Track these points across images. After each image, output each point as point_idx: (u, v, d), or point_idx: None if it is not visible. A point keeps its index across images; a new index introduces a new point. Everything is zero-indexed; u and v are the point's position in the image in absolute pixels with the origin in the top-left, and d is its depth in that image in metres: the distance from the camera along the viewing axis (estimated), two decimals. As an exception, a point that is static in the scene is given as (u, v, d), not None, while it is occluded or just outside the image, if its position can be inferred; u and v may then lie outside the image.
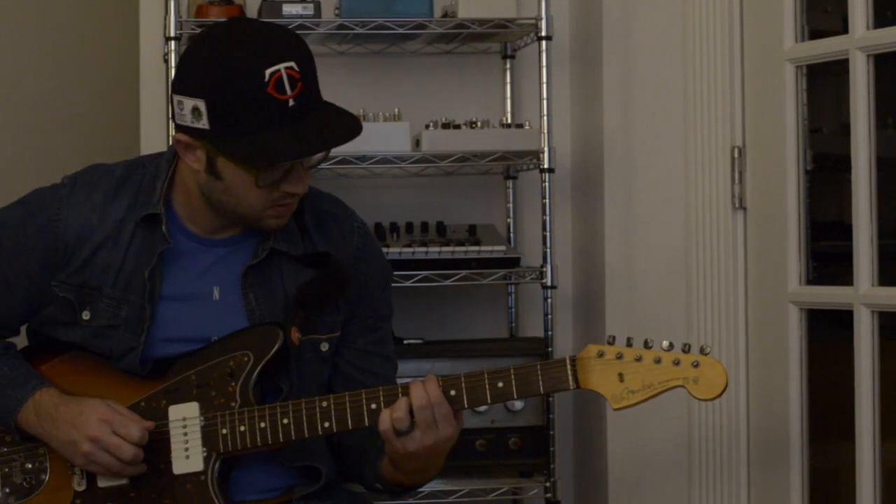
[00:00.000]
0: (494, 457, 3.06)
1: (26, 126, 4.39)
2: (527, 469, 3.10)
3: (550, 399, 3.06)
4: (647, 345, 2.21)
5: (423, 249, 3.07)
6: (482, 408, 3.04)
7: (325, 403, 2.28)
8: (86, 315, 2.38)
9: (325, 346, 2.43)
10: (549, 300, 3.07)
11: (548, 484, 3.06)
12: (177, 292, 2.38)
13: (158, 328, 2.37)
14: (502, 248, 3.11)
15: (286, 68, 2.22)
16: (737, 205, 3.10)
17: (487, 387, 2.25)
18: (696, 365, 2.19)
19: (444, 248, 3.07)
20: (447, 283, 3.05)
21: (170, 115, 2.31)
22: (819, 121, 3.06)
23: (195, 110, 2.24)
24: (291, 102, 2.22)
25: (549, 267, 3.07)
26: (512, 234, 3.38)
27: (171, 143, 2.34)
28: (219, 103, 2.22)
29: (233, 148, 2.24)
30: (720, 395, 2.19)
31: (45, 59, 4.42)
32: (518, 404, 3.05)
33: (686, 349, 2.20)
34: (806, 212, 2.97)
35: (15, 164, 4.25)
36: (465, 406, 2.26)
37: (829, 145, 3.11)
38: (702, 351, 2.19)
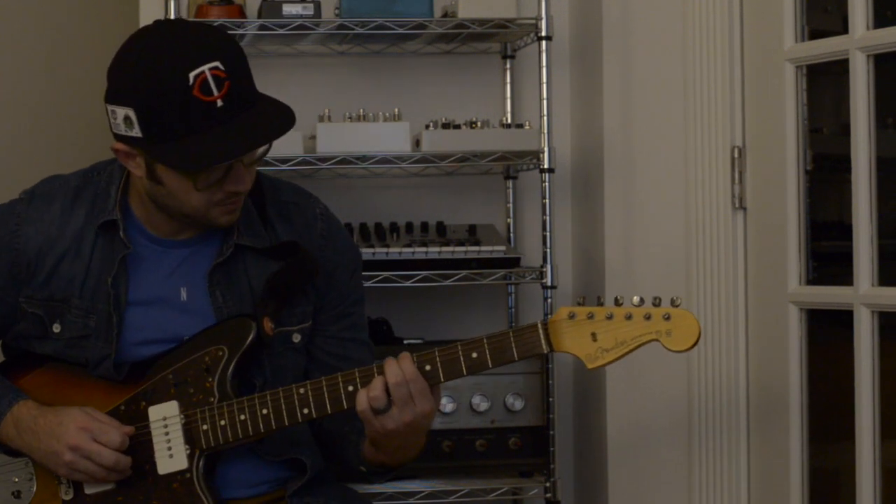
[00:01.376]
0: (494, 457, 3.06)
1: (25, 126, 4.39)
2: (527, 469, 3.10)
3: (550, 399, 3.06)
4: (617, 302, 2.21)
5: (423, 249, 3.06)
6: (482, 408, 3.04)
7: (302, 390, 2.29)
8: (56, 328, 2.37)
9: (297, 338, 2.43)
10: (549, 300, 3.07)
11: (548, 484, 3.06)
12: (144, 297, 2.38)
13: (129, 333, 2.37)
14: (502, 248, 3.11)
15: (210, 69, 2.19)
16: (737, 205, 3.10)
17: (462, 358, 2.25)
18: (667, 318, 2.18)
19: (444, 248, 3.07)
20: (447, 283, 3.05)
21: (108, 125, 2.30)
22: (819, 121, 3.06)
23: (126, 119, 2.23)
24: (220, 103, 2.20)
25: (549, 267, 3.07)
26: (512, 234, 3.38)
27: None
28: (147, 111, 2.20)
29: (165, 154, 2.22)
30: (694, 345, 2.18)
31: (44, 59, 4.42)
32: (518, 404, 3.05)
33: (657, 303, 2.19)
34: (806, 212, 2.97)
35: (14, 164, 4.24)
36: (441, 379, 2.25)
37: (829, 145, 3.10)
38: (672, 303, 2.19)
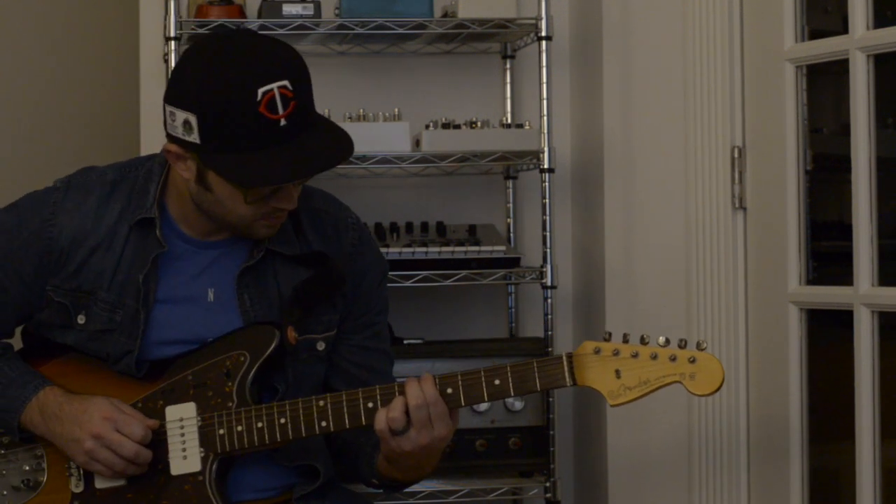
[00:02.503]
0: (494, 457, 3.06)
1: (26, 126, 4.39)
2: (527, 469, 3.10)
3: (550, 399, 3.06)
4: (643, 341, 2.21)
5: (423, 249, 3.06)
6: (482, 407, 3.04)
7: (322, 403, 2.29)
8: (81, 319, 2.38)
9: (321, 346, 2.43)
10: (549, 300, 3.07)
11: (548, 484, 3.06)
12: (172, 295, 2.38)
13: (153, 331, 2.37)
14: (502, 248, 3.11)
15: (279, 87, 2.20)
16: (737, 205, 3.10)
17: (484, 384, 2.25)
18: (692, 361, 2.19)
19: (444, 248, 3.07)
20: (447, 283, 3.05)
21: (163, 123, 2.30)
22: (819, 121, 3.06)
23: (186, 124, 2.23)
24: (283, 122, 2.21)
25: (549, 267, 3.07)
26: (512, 234, 3.38)
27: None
28: (210, 120, 2.21)
29: (222, 166, 2.23)
30: (717, 390, 2.20)
31: (45, 59, 4.42)
32: (518, 404, 3.05)
33: (682, 345, 2.20)
34: (806, 212, 2.97)
35: (15, 164, 4.25)
36: (462, 404, 2.26)
37: (829, 145, 3.10)
38: (698, 346, 2.20)
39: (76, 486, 2.35)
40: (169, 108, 2.27)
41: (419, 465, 2.34)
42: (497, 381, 2.25)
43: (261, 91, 2.19)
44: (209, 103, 2.20)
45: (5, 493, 2.39)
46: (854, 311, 2.78)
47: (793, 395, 2.95)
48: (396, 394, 2.26)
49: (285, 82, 2.21)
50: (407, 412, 2.23)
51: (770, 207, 3.03)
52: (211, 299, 2.39)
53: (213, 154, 2.23)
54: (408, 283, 3.03)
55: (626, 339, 2.23)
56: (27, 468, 2.39)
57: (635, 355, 2.21)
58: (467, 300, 3.40)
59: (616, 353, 2.22)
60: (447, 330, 3.34)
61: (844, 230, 2.83)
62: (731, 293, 3.10)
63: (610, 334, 2.24)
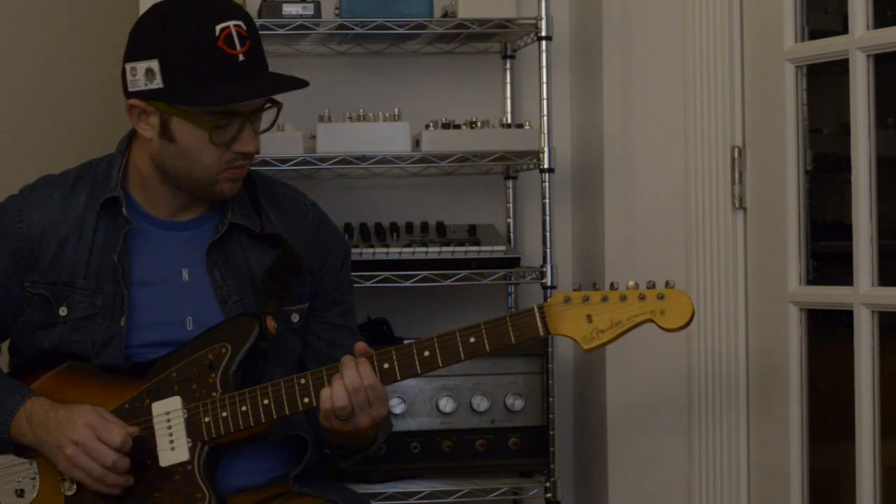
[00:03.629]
0: (494, 457, 3.06)
1: (24, 126, 4.39)
2: (527, 469, 3.10)
3: (550, 399, 3.06)
4: (612, 287, 2.25)
5: (423, 249, 3.06)
6: (482, 408, 3.03)
7: (303, 380, 2.33)
8: (63, 311, 2.40)
9: (295, 318, 2.48)
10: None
11: (548, 484, 3.06)
12: (147, 277, 2.42)
13: (134, 314, 2.40)
14: (502, 248, 3.11)
15: (234, 25, 2.31)
16: (737, 205, 3.10)
17: (460, 343, 2.29)
18: (661, 297, 2.24)
19: (444, 248, 3.07)
20: (447, 283, 3.05)
21: (122, 89, 2.38)
22: (819, 121, 3.06)
23: (149, 72, 2.31)
24: (241, 57, 2.31)
25: (549, 267, 3.07)
26: (512, 234, 3.38)
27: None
28: (172, 60, 2.30)
29: (188, 97, 2.30)
30: (688, 323, 2.23)
31: (43, 59, 4.42)
32: (518, 404, 3.05)
33: (651, 285, 2.24)
34: (806, 212, 2.97)
35: (13, 164, 4.24)
36: (440, 365, 2.30)
37: (829, 145, 3.10)
38: (667, 285, 2.23)
39: (69, 490, 2.37)
40: (129, 66, 2.35)
41: (360, 438, 2.39)
42: (472, 339, 2.29)
43: (218, 27, 2.29)
44: (170, 44, 2.30)
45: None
46: (854, 311, 2.78)
47: (793, 395, 2.95)
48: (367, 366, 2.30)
49: (239, 22, 2.32)
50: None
51: (770, 207, 3.03)
52: (186, 279, 2.43)
53: (177, 93, 2.31)
54: (408, 283, 3.03)
55: (595, 287, 2.27)
56: (20, 479, 2.40)
57: (605, 299, 2.25)
58: (467, 300, 3.40)
59: (586, 299, 2.26)
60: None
61: (844, 230, 2.83)
62: (731, 293, 3.10)
63: (580, 285, 2.28)
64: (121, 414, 2.35)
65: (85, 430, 2.30)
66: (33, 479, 2.39)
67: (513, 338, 2.29)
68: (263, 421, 2.33)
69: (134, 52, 2.35)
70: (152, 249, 2.43)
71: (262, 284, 2.41)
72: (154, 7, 2.37)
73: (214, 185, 2.38)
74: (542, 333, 2.27)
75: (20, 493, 2.39)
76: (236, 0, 3.05)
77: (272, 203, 2.51)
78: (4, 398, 2.38)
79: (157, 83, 2.31)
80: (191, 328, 2.40)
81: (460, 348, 2.29)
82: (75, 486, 2.35)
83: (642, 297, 2.23)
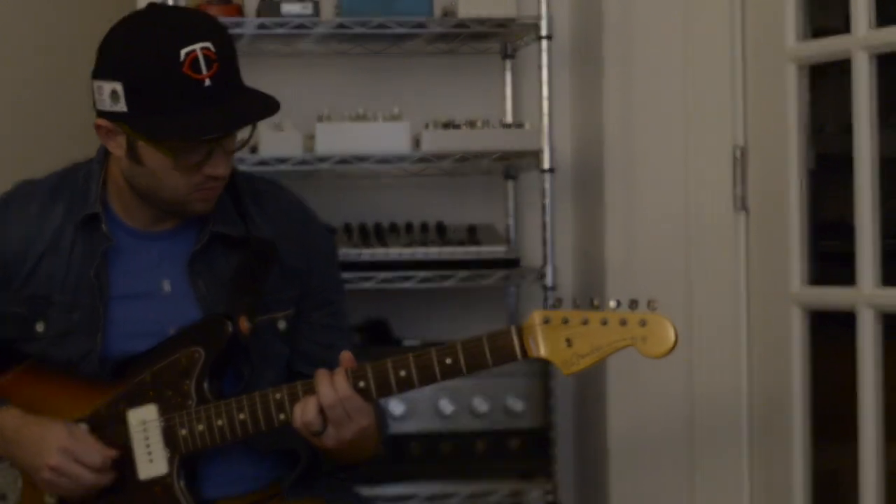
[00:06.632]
0: (495, 459, 3.05)
1: (23, 126, 4.38)
2: (527, 472, 3.09)
3: (551, 401, 3.05)
4: (593, 305, 2.19)
5: (423, 250, 3.06)
6: (482, 410, 3.02)
7: (279, 395, 2.27)
8: (40, 327, 2.36)
9: (282, 325, 2.42)
10: (550, 301, 3.06)
11: (549, 487, 3.05)
12: (127, 291, 2.37)
13: (114, 328, 2.35)
14: (502, 248, 3.10)
15: (202, 48, 2.21)
16: (738, 205, 3.09)
17: (436, 364, 2.22)
18: (643, 324, 2.16)
19: (444, 249, 3.06)
20: (447, 283, 3.04)
21: (92, 102, 2.31)
22: (821, 120, 3.06)
23: (113, 94, 2.24)
24: (208, 82, 2.21)
25: (549, 268, 3.06)
26: (512, 235, 3.37)
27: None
28: (135, 85, 2.22)
29: (149, 127, 2.23)
30: (669, 351, 2.16)
31: (42, 59, 4.41)
32: (519, 406, 3.04)
33: (633, 306, 2.17)
34: (808, 212, 2.96)
35: (11, 164, 4.23)
36: (416, 385, 2.23)
37: (831, 145, 3.10)
38: (649, 306, 2.17)
39: (50, 497, 2.34)
40: (96, 84, 2.27)
41: (353, 453, 2.34)
42: (448, 360, 2.22)
43: (183, 52, 2.20)
44: (133, 68, 2.22)
45: None
46: (857, 312, 2.77)
47: (795, 396, 2.94)
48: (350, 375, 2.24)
49: (207, 44, 2.22)
50: (322, 411, 2.22)
51: (772, 207, 3.02)
52: (168, 290, 2.38)
53: (140, 119, 2.23)
54: (408, 284, 3.02)
55: (576, 306, 2.20)
56: (0, 481, 2.38)
57: (585, 322, 2.18)
58: (467, 301, 3.39)
59: (566, 321, 2.18)
60: (447, 331, 3.32)
61: (847, 230, 2.82)
62: (733, 294, 3.09)
63: (560, 300, 2.21)
64: (96, 418, 2.32)
65: (61, 455, 2.26)
66: (15, 482, 2.37)
67: (490, 361, 2.21)
68: (240, 436, 2.29)
69: (100, 70, 2.28)
70: (132, 262, 2.38)
71: (232, 282, 2.35)
72: (123, 22, 2.31)
73: (186, 205, 2.32)
74: (518, 357, 2.20)
75: (3, 497, 2.37)
76: (236, 1, 3.08)
77: (255, 203, 2.45)
78: None
79: (122, 107, 2.24)
80: None
81: (436, 369, 2.22)
82: (55, 497, 2.34)
83: (623, 322, 2.16)
